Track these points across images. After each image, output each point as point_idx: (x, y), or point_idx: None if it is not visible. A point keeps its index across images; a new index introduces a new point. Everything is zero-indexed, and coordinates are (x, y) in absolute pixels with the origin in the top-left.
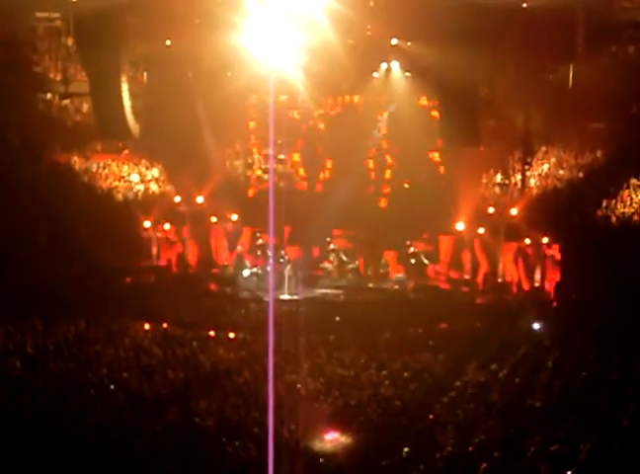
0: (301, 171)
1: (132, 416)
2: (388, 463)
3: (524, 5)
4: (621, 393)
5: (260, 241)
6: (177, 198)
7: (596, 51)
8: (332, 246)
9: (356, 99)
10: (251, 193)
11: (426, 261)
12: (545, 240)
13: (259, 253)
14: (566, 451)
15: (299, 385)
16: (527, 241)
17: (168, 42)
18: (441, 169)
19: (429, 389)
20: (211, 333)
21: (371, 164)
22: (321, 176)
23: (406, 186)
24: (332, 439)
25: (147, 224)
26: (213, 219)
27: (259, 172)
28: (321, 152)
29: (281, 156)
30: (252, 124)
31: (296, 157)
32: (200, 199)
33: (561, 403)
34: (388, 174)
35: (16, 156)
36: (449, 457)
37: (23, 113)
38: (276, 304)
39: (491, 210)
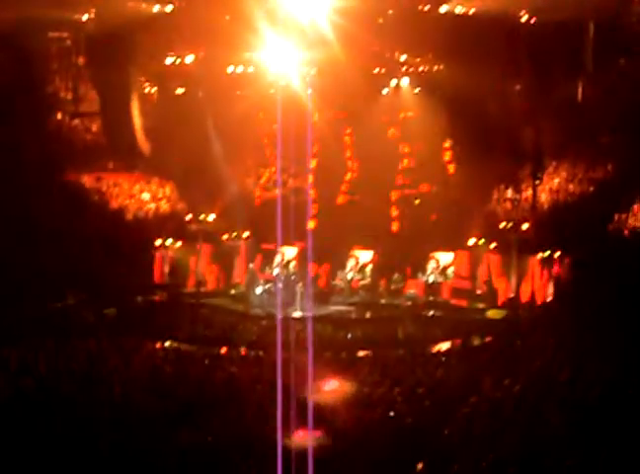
0: (312, 192)
1: (145, 435)
2: None
3: (533, 21)
4: (638, 408)
5: (272, 258)
6: (188, 217)
7: (605, 66)
8: (345, 262)
9: (366, 116)
10: (261, 208)
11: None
12: (557, 254)
13: (271, 270)
14: (583, 466)
15: (312, 403)
16: (540, 255)
17: (178, 61)
18: (453, 185)
19: (443, 405)
20: (223, 350)
21: (384, 181)
22: (332, 193)
23: (417, 202)
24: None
25: (158, 242)
26: (225, 237)
27: (269, 187)
28: (333, 169)
29: (292, 172)
30: (263, 141)
31: (310, 178)
32: (211, 217)
33: (577, 418)
34: (399, 191)
35: (27, 176)
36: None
37: (34, 132)
38: (287, 321)
39: (503, 225)
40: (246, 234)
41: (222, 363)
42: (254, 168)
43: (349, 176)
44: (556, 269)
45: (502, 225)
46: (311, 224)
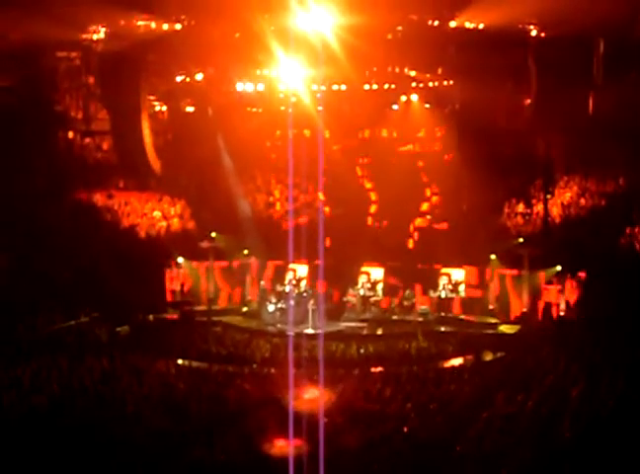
0: (326, 209)
1: (158, 452)
2: None
3: (543, 35)
4: None
5: (284, 275)
6: (199, 234)
7: (616, 79)
8: (357, 279)
9: (375, 133)
10: (272, 225)
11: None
12: (569, 268)
13: (282, 287)
14: None
15: (325, 419)
16: (551, 270)
17: (187, 79)
18: (463, 200)
19: (455, 420)
20: (236, 368)
21: (395, 196)
22: (343, 210)
23: (428, 217)
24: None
25: (170, 261)
26: (236, 254)
27: (280, 204)
28: (344, 186)
29: (303, 188)
30: (273, 159)
31: (321, 195)
32: (222, 235)
33: (590, 432)
34: (410, 206)
35: (39, 195)
36: None
37: (45, 151)
38: (299, 339)
39: (514, 240)
40: (257, 251)
41: (235, 381)
42: (265, 185)
43: (362, 193)
44: (568, 283)
45: (513, 240)
46: (322, 241)
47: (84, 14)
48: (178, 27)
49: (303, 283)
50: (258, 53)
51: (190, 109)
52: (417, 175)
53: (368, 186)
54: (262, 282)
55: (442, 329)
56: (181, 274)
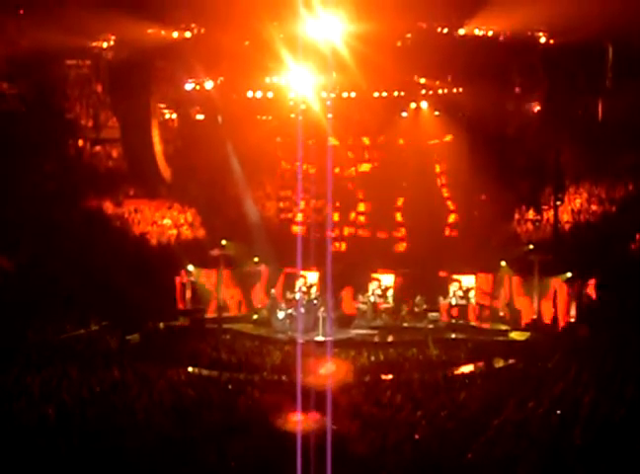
0: (336, 216)
1: (169, 460)
2: None
3: (552, 41)
4: None
5: (294, 282)
6: (210, 242)
7: (626, 85)
8: (367, 286)
9: (386, 139)
10: (282, 232)
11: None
12: (579, 275)
13: (293, 295)
14: None
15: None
16: (562, 276)
17: (197, 87)
18: (474, 207)
19: (466, 428)
20: (246, 375)
21: (401, 201)
22: (352, 217)
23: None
24: None
25: (180, 268)
26: (246, 262)
27: (290, 210)
28: (355, 194)
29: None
30: (283, 167)
31: (330, 204)
32: (232, 242)
33: (601, 439)
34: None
35: (50, 202)
36: None
37: (56, 159)
38: (310, 346)
39: (524, 247)
40: (267, 258)
41: (245, 388)
42: (274, 192)
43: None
44: (578, 290)
45: (523, 246)
46: (332, 247)
47: (94, 22)
48: (187, 35)
49: (314, 290)
50: (267, 61)
51: (199, 116)
52: (428, 181)
53: (376, 191)
54: (272, 290)
55: (453, 336)
56: (191, 281)
